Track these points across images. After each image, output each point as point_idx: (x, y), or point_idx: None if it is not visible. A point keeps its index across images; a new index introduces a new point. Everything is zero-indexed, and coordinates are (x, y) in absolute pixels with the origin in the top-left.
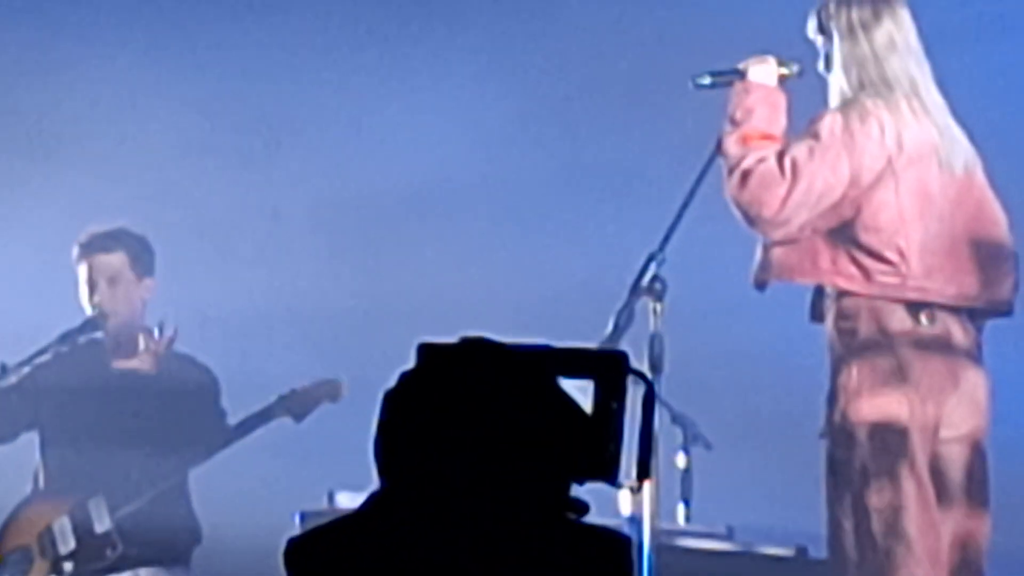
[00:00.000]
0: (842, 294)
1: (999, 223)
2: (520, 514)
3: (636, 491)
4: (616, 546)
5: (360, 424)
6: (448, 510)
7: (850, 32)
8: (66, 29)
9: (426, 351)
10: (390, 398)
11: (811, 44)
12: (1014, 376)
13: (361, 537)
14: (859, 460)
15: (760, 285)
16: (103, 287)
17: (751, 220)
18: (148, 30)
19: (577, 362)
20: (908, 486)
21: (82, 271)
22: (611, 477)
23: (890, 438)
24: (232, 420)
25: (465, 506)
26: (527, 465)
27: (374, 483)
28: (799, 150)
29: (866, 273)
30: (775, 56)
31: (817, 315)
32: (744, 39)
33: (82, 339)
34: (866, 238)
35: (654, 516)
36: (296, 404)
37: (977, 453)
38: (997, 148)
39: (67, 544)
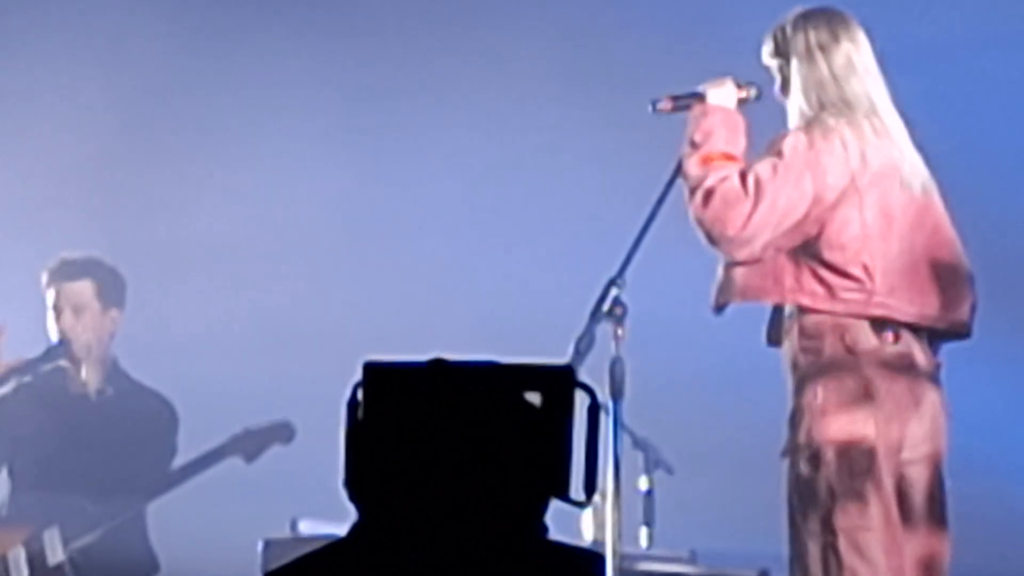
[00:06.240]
0: (805, 313)
1: (956, 247)
2: (496, 534)
3: (584, 506)
4: (591, 564)
5: (323, 451)
6: (425, 536)
7: (808, 54)
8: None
9: (376, 370)
10: (356, 422)
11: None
12: (965, 399)
13: (343, 567)
14: (825, 480)
15: (721, 307)
16: (68, 315)
17: (714, 239)
18: (111, 60)
19: (524, 377)
20: (874, 506)
21: (49, 297)
22: (561, 492)
23: (857, 458)
24: (192, 453)
25: (441, 531)
26: (501, 485)
27: (338, 510)
28: (763, 168)
29: (830, 290)
30: (734, 79)
31: (773, 338)
32: (705, 63)
33: (46, 367)
34: (830, 255)
35: (617, 540)
36: (248, 444)
37: (937, 474)
38: (949, 174)
39: (20, 574)
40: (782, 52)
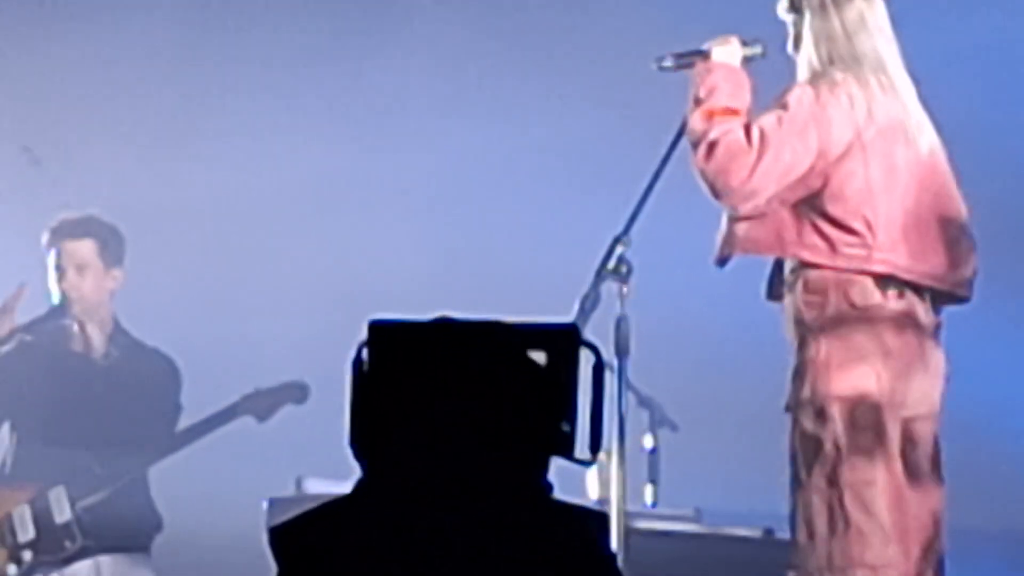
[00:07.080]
0: (807, 268)
1: (961, 209)
2: (501, 493)
3: (589, 465)
4: (595, 523)
5: (328, 410)
6: (429, 494)
7: (822, 7)
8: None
9: (381, 330)
10: (361, 380)
11: (777, 31)
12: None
13: (347, 522)
14: (831, 435)
15: (723, 260)
16: (71, 274)
17: (718, 192)
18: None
19: (529, 336)
20: (880, 462)
21: (51, 257)
22: (566, 451)
23: (862, 413)
24: (197, 414)
25: (445, 489)
26: (505, 443)
27: (343, 469)
28: (767, 120)
29: (831, 245)
30: (739, 37)
31: (774, 294)
32: (711, 22)
33: (48, 326)
34: (833, 209)
35: (622, 498)
36: (260, 404)
37: (934, 431)
38: (958, 142)
39: (26, 533)
40: (797, 7)
